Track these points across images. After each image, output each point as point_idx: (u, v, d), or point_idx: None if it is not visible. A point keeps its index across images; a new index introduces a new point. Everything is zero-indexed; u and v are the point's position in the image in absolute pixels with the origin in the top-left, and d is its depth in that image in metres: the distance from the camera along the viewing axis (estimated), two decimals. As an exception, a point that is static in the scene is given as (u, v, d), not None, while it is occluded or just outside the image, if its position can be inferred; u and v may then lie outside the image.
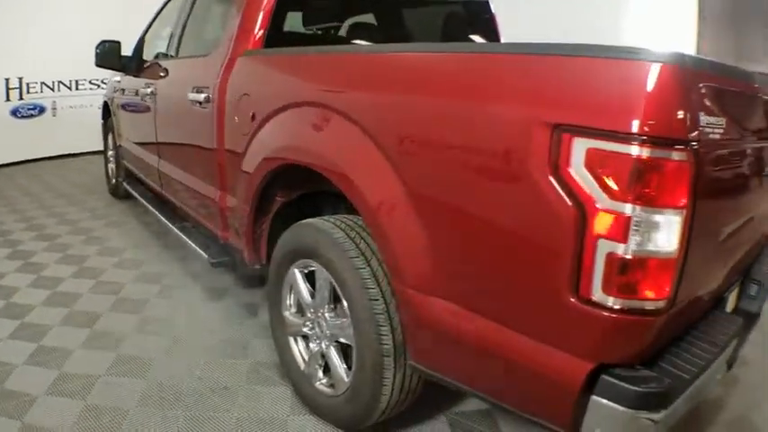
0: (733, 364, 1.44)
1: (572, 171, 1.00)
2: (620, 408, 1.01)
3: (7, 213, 4.08)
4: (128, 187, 3.83)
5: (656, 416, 1.01)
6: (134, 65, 3.45)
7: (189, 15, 2.80)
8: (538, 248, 1.08)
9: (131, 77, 3.47)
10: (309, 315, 1.80)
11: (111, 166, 4.43)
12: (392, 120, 1.37)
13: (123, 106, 3.74)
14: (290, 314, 1.90)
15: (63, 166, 5.96)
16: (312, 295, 1.77)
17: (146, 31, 3.57)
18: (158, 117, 2.90)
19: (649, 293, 0.99)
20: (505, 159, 1.11)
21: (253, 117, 1.92)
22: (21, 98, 5.85)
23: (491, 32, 2.89)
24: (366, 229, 1.60)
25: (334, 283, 1.61)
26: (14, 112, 5.84)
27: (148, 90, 2.99)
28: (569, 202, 1.00)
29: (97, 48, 3.42)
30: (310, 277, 1.78)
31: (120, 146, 3.99)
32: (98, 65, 3.48)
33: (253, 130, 1.92)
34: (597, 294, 1.00)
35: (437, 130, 1.27)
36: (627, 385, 1.01)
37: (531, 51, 1.13)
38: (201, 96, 2.25)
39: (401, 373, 1.50)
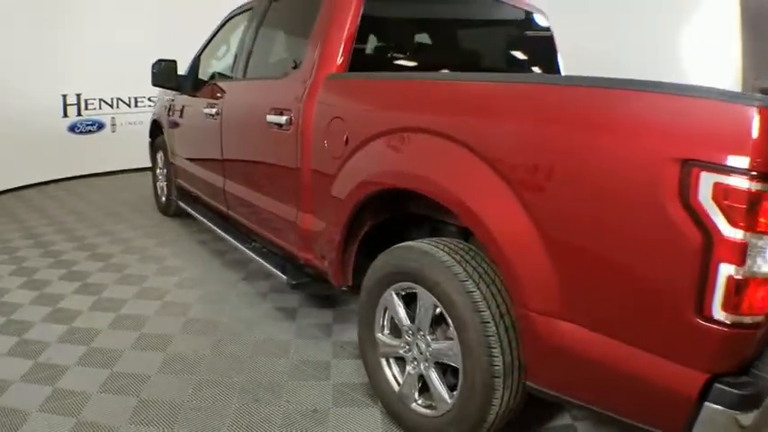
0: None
1: (700, 202, 1.09)
2: (728, 411, 1.14)
3: (55, 233, 4.13)
4: (183, 205, 3.86)
5: (750, 415, 1.16)
6: (191, 84, 3.50)
7: (256, 37, 2.83)
8: (665, 272, 1.16)
9: (188, 97, 3.52)
10: (407, 337, 1.79)
11: (161, 184, 4.48)
12: (519, 150, 1.39)
13: (178, 125, 3.79)
14: (383, 336, 1.90)
15: (122, 180, 6.08)
16: (411, 318, 1.77)
17: (201, 51, 3.62)
18: (225, 137, 2.93)
19: (753, 309, 1.12)
20: (637, 190, 1.18)
21: (346, 141, 1.94)
22: (79, 114, 6.03)
23: (551, 49, 2.90)
24: (471, 252, 1.63)
25: (440, 306, 1.62)
26: (72, 128, 6.00)
27: (212, 110, 3.03)
28: (697, 230, 1.10)
29: (153, 67, 3.48)
30: (407, 299, 1.79)
31: (172, 164, 4.04)
32: (154, 84, 3.54)
33: (347, 154, 1.94)
34: (717, 313, 1.11)
35: (567, 160, 1.30)
36: (734, 390, 1.14)
37: (664, 90, 1.18)
38: (283, 119, 2.28)
39: (508, 393, 1.53)
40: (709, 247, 1.08)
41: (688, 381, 1.16)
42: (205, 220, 3.35)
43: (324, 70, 2.16)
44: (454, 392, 1.63)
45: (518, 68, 2.75)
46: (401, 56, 2.45)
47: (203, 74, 3.51)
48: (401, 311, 1.80)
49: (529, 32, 2.80)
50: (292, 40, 2.79)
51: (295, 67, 2.37)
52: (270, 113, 2.37)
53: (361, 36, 2.19)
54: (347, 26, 2.15)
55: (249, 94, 2.75)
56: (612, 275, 1.25)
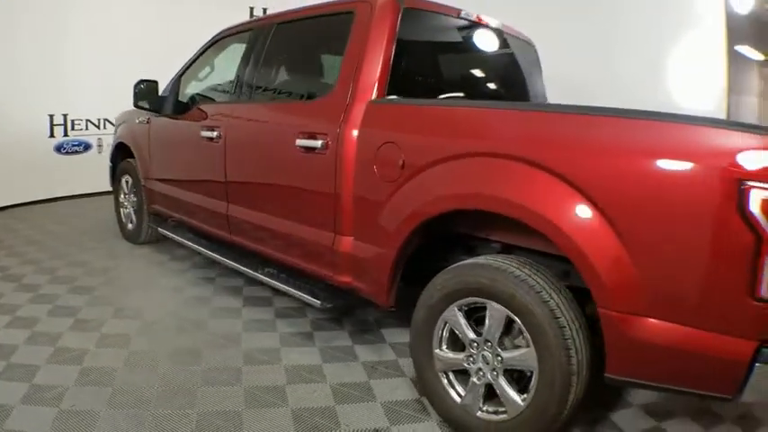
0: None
1: (752, 212, 1.38)
2: None
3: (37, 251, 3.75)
4: (164, 231, 3.67)
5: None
6: (173, 106, 3.38)
7: (261, 60, 2.81)
8: (727, 266, 1.44)
9: (171, 119, 3.38)
10: (471, 350, 1.89)
11: (127, 210, 4.21)
12: (604, 175, 1.59)
13: (157, 148, 3.61)
14: (441, 351, 1.97)
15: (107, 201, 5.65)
16: (476, 331, 1.87)
17: (182, 72, 3.50)
18: (230, 161, 2.86)
19: None
20: (705, 205, 1.45)
21: (403, 165, 2.01)
22: (65, 135, 5.94)
23: (539, 72, 3.17)
24: (534, 266, 1.79)
25: (515, 317, 1.74)
26: (59, 149, 5.92)
27: (211, 133, 2.95)
28: (751, 234, 1.39)
29: (135, 87, 3.31)
30: (468, 314, 1.90)
31: (145, 189, 3.82)
32: (136, 105, 3.37)
33: (403, 178, 2.01)
34: (765, 292, 1.40)
35: (647, 182, 1.53)
36: None
37: (724, 126, 1.48)
38: (317, 143, 2.29)
39: (580, 387, 1.71)
40: (759, 246, 1.38)
41: (742, 348, 1.44)
42: (196, 247, 3.22)
43: (362, 94, 2.21)
44: (524, 395, 1.77)
45: (523, 93, 2.97)
46: (428, 79, 2.55)
47: (188, 95, 3.39)
48: (465, 326, 1.89)
49: (528, 60, 3.04)
50: (315, 62, 2.80)
51: (326, 91, 2.40)
52: (300, 137, 2.37)
53: (397, 60, 2.27)
54: (384, 49, 2.23)
55: (264, 116, 2.72)
56: (686, 274, 1.50)
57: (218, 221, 3.05)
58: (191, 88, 3.42)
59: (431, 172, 1.93)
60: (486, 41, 2.75)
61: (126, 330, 2.73)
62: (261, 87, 2.82)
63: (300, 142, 2.37)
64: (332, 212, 2.29)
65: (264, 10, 6.01)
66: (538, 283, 1.72)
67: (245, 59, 2.93)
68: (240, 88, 2.92)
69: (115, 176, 4.34)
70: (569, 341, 1.67)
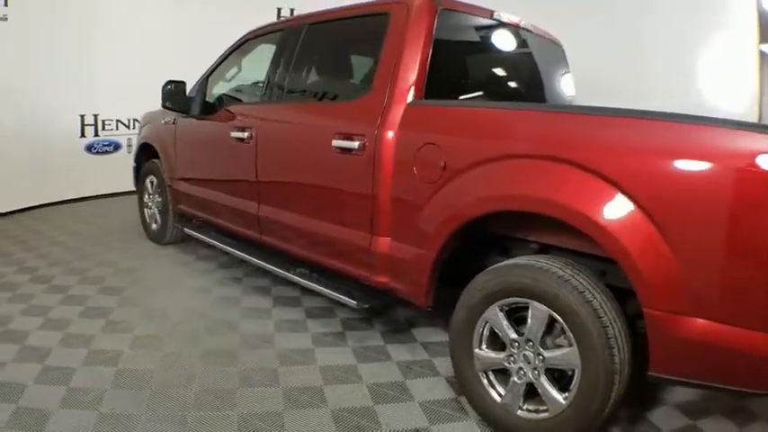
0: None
1: None
2: None
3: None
4: (190, 232, 3.69)
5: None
6: (202, 107, 3.40)
7: (293, 61, 2.82)
8: (764, 262, 1.45)
9: (199, 120, 3.40)
10: (512, 349, 1.89)
11: (152, 211, 4.24)
12: (649, 176, 1.61)
13: (184, 149, 3.63)
14: (481, 351, 1.98)
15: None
16: (517, 331, 1.88)
17: (209, 73, 3.52)
18: (261, 162, 2.87)
19: None
20: (745, 204, 1.47)
21: (444, 166, 2.01)
22: (96, 135, 6.07)
23: (567, 72, 3.16)
24: (576, 267, 1.80)
25: (558, 317, 1.75)
26: (89, 148, 6.06)
27: (242, 134, 2.96)
28: None
29: (164, 88, 3.33)
30: (509, 314, 1.90)
31: (171, 189, 3.85)
32: (164, 106, 3.39)
33: (444, 179, 2.01)
34: None
35: (688, 182, 1.55)
36: None
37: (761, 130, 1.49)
38: (354, 144, 2.30)
39: (622, 385, 1.72)
40: None
41: None
42: (225, 247, 3.23)
43: (400, 96, 2.22)
44: (565, 393, 1.78)
45: (553, 94, 2.96)
46: (461, 81, 2.54)
47: (215, 96, 3.41)
48: (506, 326, 1.89)
49: (557, 60, 3.03)
50: (349, 63, 2.81)
51: (362, 92, 2.40)
52: (336, 138, 2.38)
53: (434, 61, 2.27)
54: (421, 51, 2.23)
55: (298, 117, 2.73)
56: (728, 273, 1.51)
57: (248, 222, 3.06)
58: (218, 89, 3.44)
59: (474, 173, 1.93)
60: (517, 42, 2.74)
61: (158, 332, 2.75)
62: (294, 88, 2.83)
63: (337, 143, 2.38)
64: (368, 213, 2.29)
65: (292, 11, 6.00)
66: (581, 283, 1.73)
67: (276, 60, 2.93)
68: (271, 89, 2.93)
69: (139, 177, 4.37)
70: (612, 340, 1.67)
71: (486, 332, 1.97)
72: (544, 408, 1.84)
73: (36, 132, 5.24)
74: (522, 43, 2.78)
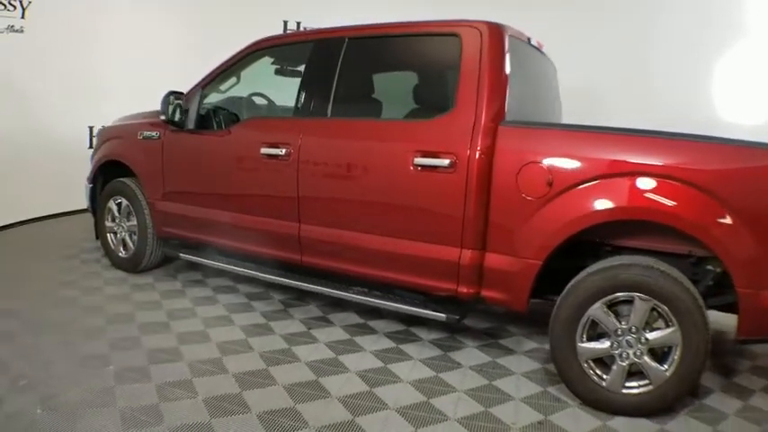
0: None
1: None
2: None
3: None
4: (187, 257, 3.36)
5: None
6: (202, 121, 3.14)
7: (336, 75, 2.76)
8: None
9: (203, 135, 3.14)
10: (617, 338, 2.18)
11: (122, 235, 3.73)
12: (739, 189, 2.05)
13: (182, 166, 3.33)
14: (584, 344, 2.24)
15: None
16: (620, 321, 2.18)
17: (205, 85, 3.23)
18: (306, 178, 2.77)
19: None
20: None
21: (551, 183, 2.21)
22: None
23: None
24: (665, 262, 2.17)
25: (663, 305, 2.09)
26: None
27: (278, 150, 2.82)
28: None
29: (168, 101, 3.05)
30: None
31: (156, 210, 3.47)
32: (171, 120, 3.09)
33: (552, 194, 2.22)
34: None
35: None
36: None
37: None
38: (444, 162, 2.38)
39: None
40: None
41: None
42: (254, 273, 3.03)
43: (490, 116, 2.37)
44: (664, 366, 2.12)
45: (556, 111, 3.31)
46: (519, 102, 2.74)
47: (224, 109, 3.17)
48: (608, 319, 2.18)
49: (555, 78, 3.38)
50: (412, 82, 2.81)
51: (440, 111, 2.48)
52: (419, 156, 2.43)
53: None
54: (503, 73, 2.42)
55: (358, 134, 2.70)
56: None
57: (284, 242, 2.92)
58: (229, 103, 3.19)
59: (584, 189, 2.17)
60: (539, 64, 3.04)
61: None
62: (343, 104, 2.77)
63: (420, 161, 2.43)
64: (459, 228, 2.39)
65: (298, 24, 5.87)
66: (677, 275, 2.10)
67: (313, 74, 2.85)
68: (311, 104, 2.83)
69: (96, 199, 3.82)
70: (706, 317, 2.07)
71: (588, 326, 2.22)
72: (645, 382, 2.16)
73: (47, 142, 5.17)
74: (542, 65, 3.08)
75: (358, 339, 2.89)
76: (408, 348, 2.81)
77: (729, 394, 2.45)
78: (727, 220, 2.03)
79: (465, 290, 2.45)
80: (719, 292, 2.26)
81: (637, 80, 4.72)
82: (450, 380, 2.50)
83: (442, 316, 2.50)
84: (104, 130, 3.88)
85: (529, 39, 2.87)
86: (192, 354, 2.63)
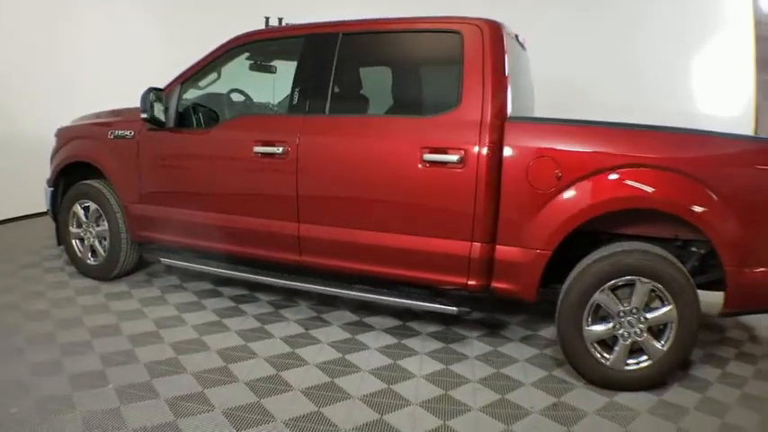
0: None
1: None
2: None
3: None
4: (169, 261, 3.20)
5: None
6: (181, 119, 2.99)
7: (333, 72, 2.71)
8: None
9: (185, 134, 2.98)
10: (618, 319, 2.33)
11: (89, 242, 3.47)
12: (730, 179, 2.26)
13: (163, 167, 3.15)
14: (589, 327, 2.37)
15: None
16: (622, 304, 2.33)
17: (182, 83, 3.06)
18: (307, 177, 2.71)
19: None
20: None
21: (560, 176, 2.31)
22: None
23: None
24: (664, 247, 2.36)
25: (661, 286, 2.26)
26: None
27: (274, 149, 2.74)
28: None
29: (149, 97, 2.87)
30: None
31: (131, 213, 3.26)
32: (152, 119, 2.92)
33: (561, 187, 2.32)
34: None
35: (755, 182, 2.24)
36: None
37: None
38: (453, 158, 2.42)
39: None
40: None
41: None
42: (244, 275, 2.93)
43: (497, 112, 2.43)
44: (661, 342, 2.30)
45: (532, 103, 3.42)
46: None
47: (205, 106, 3.02)
48: (611, 303, 2.33)
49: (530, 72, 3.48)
50: (414, 78, 2.78)
51: (445, 107, 2.50)
52: (427, 152, 2.45)
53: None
54: (506, 70, 2.49)
55: (361, 131, 2.67)
56: None
57: (282, 242, 2.84)
58: (209, 100, 3.04)
59: (593, 181, 2.28)
60: (524, 59, 3.14)
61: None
62: (343, 100, 2.72)
63: (429, 157, 2.45)
64: (469, 222, 2.44)
65: (280, 20, 5.63)
66: (672, 258, 2.29)
67: (309, 70, 2.77)
68: (306, 101, 2.76)
69: (58, 203, 3.53)
70: (697, 295, 2.26)
71: (592, 310, 2.35)
72: (644, 358, 2.34)
73: (21, 141, 5.02)
74: (525, 59, 3.18)
75: (360, 337, 2.88)
76: (411, 343, 2.84)
77: (710, 364, 2.69)
78: (718, 207, 2.22)
79: (475, 282, 2.51)
80: (702, 271, 2.47)
81: (619, 73, 4.84)
82: (461, 371, 2.56)
83: (453, 309, 2.55)
84: (64, 130, 3.58)
85: (516, 35, 2.95)
86: (194, 364, 2.52)
